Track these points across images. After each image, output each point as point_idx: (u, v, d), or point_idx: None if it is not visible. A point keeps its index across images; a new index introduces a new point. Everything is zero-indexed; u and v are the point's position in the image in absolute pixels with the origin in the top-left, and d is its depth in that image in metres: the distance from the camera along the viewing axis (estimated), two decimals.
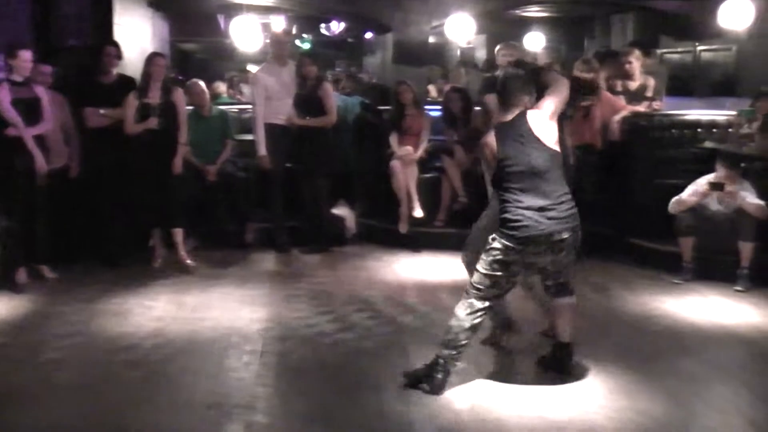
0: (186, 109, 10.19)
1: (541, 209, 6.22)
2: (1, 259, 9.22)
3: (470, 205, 11.05)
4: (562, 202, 6.36)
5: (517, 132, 6.26)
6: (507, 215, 6.23)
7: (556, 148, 6.32)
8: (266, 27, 17.26)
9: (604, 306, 8.72)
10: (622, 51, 11.69)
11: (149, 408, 6.04)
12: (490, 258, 6.27)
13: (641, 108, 11.04)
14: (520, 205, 6.21)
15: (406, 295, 8.98)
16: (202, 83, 11.28)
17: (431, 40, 19.40)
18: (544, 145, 6.24)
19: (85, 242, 10.27)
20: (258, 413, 5.95)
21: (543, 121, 6.29)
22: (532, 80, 6.54)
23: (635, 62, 11.14)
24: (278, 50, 11.13)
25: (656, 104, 11.27)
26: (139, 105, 9.71)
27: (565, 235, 6.38)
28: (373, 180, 12.00)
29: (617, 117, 10.58)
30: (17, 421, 5.86)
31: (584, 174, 10.21)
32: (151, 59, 9.93)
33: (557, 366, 6.70)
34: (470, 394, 6.21)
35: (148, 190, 9.85)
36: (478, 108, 11.09)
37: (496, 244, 6.22)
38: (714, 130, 11.12)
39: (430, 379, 6.24)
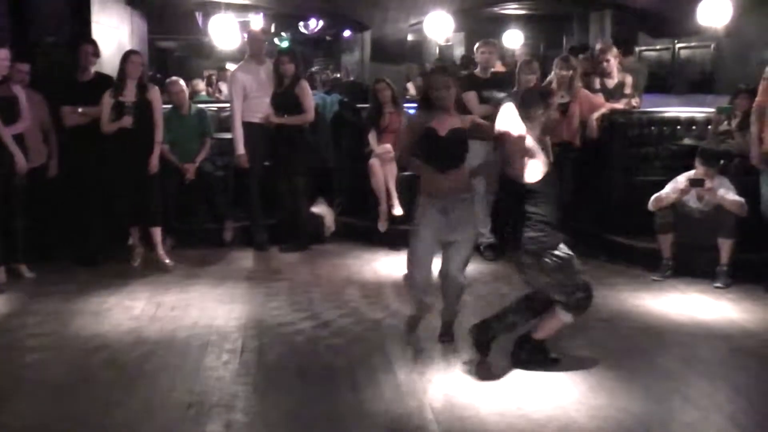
0: (163, 107, 10.16)
1: (557, 222, 6.68)
2: None
3: None
4: None
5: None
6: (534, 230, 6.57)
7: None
8: (244, 25, 17.21)
9: None
10: (599, 48, 11.68)
11: (128, 407, 6.02)
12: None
13: (619, 105, 11.06)
14: (544, 219, 6.59)
15: (385, 294, 8.97)
16: (182, 82, 11.23)
17: (409, 37, 19.36)
18: None
19: (63, 241, 10.25)
20: (237, 412, 5.93)
21: None
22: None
23: (612, 60, 11.16)
24: (256, 48, 11.11)
25: (634, 101, 11.30)
26: (114, 103, 9.66)
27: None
28: (351, 178, 11.99)
29: (595, 114, 10.60)
30: None
31: (563, 172, 10.25)
32: (127, 57, 9.88)
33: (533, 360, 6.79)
34: (449, 392, 6.20)
35: (125, 188, 9.82)
36: None
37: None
38: (693, 127, 11.17)
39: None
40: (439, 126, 6.98)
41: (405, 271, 7.45)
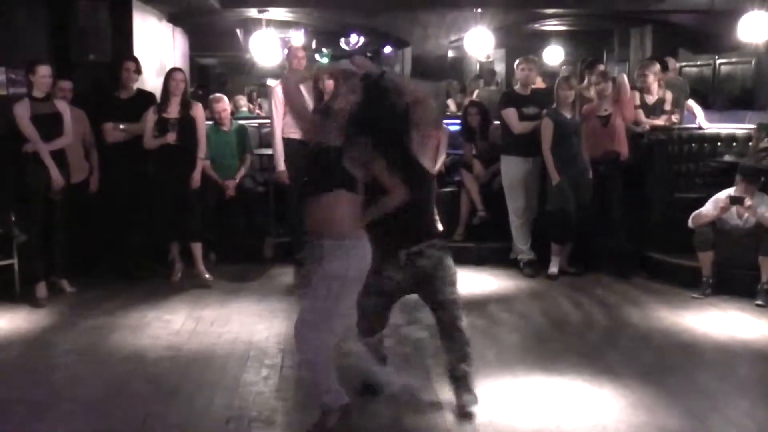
0: (205, 123, 10.21)
1: None
2: (20, 273, 9.29)
3: (489, 219, 11.07)
4: None
5: None
6: None
7: None
8: (285, 42, 17.29)
9: (623, 320, 8.68)
10: (640, 65, 11.67)
11: (166, 422, 6.05)
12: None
13: (660, 122, 11.03)
14: None
15: (424, 311, 8.95)
16: (225, 99, 11.31)
17: (450, 54, 19.43)
18: None
19: (104, 256, 10.33)
20: (277, 427, 5.96)
21: None
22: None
23: (651, 76, 11.11)
24: (296, 64, 11.14)
25: (675, 117, 11.25)
26: (157, 119, 9.74)
27: None
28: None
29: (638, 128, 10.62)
30: None
31: (607, 187, 10.24)
32: (170, 74, 9.96)
33: None
34: (488, 407, 6.19)
35: (166, 204, 9.88)
36: (496, 122, 11.12)
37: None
38: (733, 143, 11.12)
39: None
40: None
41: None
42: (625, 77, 11.08)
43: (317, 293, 5.58)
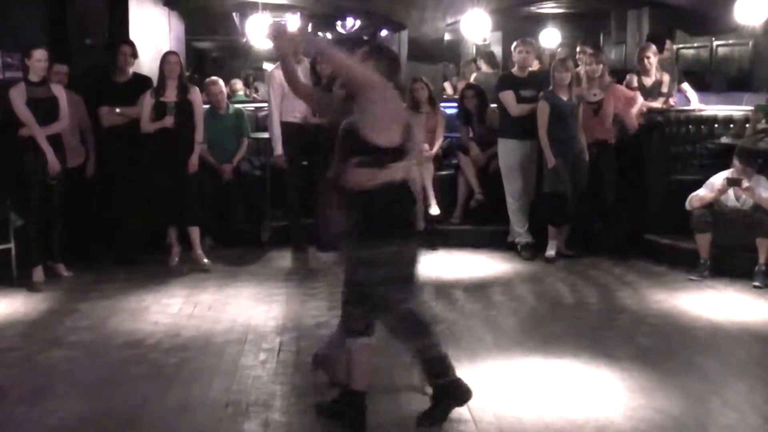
0: (203, 107, 10.19)
1: None
2: (17, 257, 9.28)
3: (486, 202, 11.07)
4: None
5: None
6: None
7: None
8: (281, 25, 17.25)
9: (621, 303, 8.70)
10: (640, 47, 11.64)
11: (165, 406, 6.06)
12: None
13: (657, 104, 11.02)
14: None
15: (423, 293, 8.96)
16: (221, 82, 11.30)
17: (446, 37, 19.34)
18: None
19: (101, 241, 10.32)
20: (275, 411, 5.96)
21: None
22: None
23: (653, 57, 11.09)
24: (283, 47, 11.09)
25: (672, 100, 11.24)
26: (155, 103, 9.72)
27: None
28: None
29: (633, 110, 10.56)
30: (32, 418, 5.89)
31: (600, 171, 10.23)
32: (165, 57, 9.94)
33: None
34: (487, 392, 6.19)
35: (164, 188, 9.87)
36: (493, 105, 11.11)
37: None
38: (730, 125, 11.09)
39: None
40: None
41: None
42: (635, 80, 11.09)
43: None
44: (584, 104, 10.28)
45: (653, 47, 11.28)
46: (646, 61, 11.07)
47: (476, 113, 11.41)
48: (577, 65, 11.19)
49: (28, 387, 6.46)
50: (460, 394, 5.78)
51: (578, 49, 11.91)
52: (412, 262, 5.86)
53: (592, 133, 10.27)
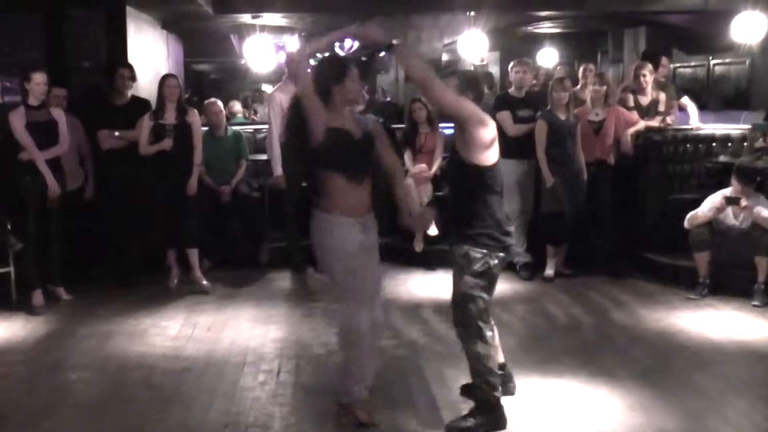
0: (201, 129, 10.21)
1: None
2: (16, 281, 9.29)
3: None
4: None
5: None
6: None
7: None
8: (279, 47, 17.30)
9: (619, 321, 8.70)
10: (635, 65, 11.68)
11: (165, 427, 6.08)
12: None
13: (654, 123, 11.03)
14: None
15: (421, 314, 8.97)
16: (219, 103, 11.31)
17: (444, 57, 19.41)
18: None
19: (100, 263, 10.32)
20: None
21: None
22: None
23: (649, 75, 11.12)
24: (293, 69, 11.10)
25: (669, 119, 11.26)
26: (153, 126, 9.74)
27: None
28: (387, 198, 11.98)
29: (631, 130, 10.58)
30: None
31: (598, 190, 10.25)
32: (163, 81, 9.95)
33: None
34: None
35: (162, 210, 9.88)
36: None
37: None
38: (728, 144, 11.12)
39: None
40: (349, 126, 6.01)
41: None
42: (630, 98, 11.12)
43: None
44: (586, 124, 10.30)
45: (649, 65, 11.31)
46: (642, 79, 11.09)
47: None
48: (576, 84, 11.23)
49: (28, 410, 6.46)
50: (496, 418, 5.89)
51: (582, 69, 11.93)
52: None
53: (593, 153, 10.28)
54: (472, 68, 16.43)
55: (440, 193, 11.30)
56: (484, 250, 5.89)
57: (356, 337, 5.88)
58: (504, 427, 5.90)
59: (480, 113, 5.87)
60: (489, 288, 6.00)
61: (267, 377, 7.04)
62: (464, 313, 6.01)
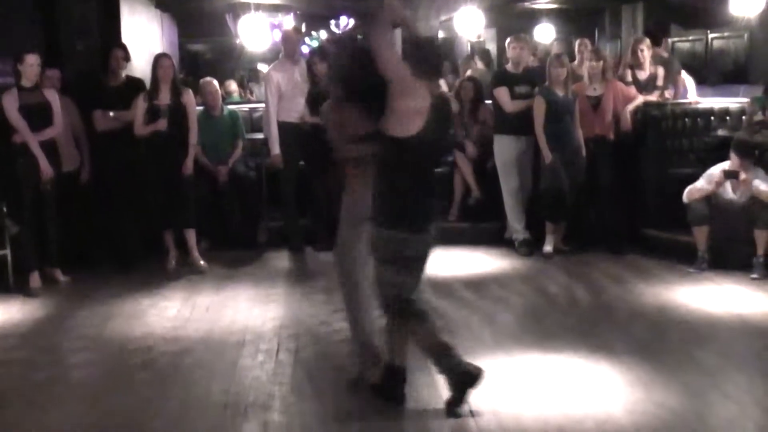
0: (196, 109, 10.17)
1: None
2: (13, 264, 9.26)
3: (483, 200, 11.05)
4: None
5: None
6: None
7: None
8: (274, 26, 17.22)
9: (619, 297, 8.68)
10: (633, 40, 11.65)
11: (165, 408, 6.06)
12: None
13: (653, 98, 11.00)
14: None
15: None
16: (215, 82, 11.26)
17: (440, 34, 19.32)
18: None
19: (97, 245, 10.29)
20: (274, 411, 5.95)
21: None
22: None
23: (647, 51, 11.09)
24: (290, 48, 11.07)
25: (667, 93, 11.23)
26: (148, 107, 9.69)
27: None
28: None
29: (630, 106, 10.54)
30: (33, 424, 5.88)
31: (598, 166, 10.22)
32: (157, 61, 9.90)
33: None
34: (486, 388, 6.17)
35: (159, 191, 9.84)
36: (488, 102, 11.09)
37: None
38: (727, 118, 11.10)
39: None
40: None
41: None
42: (629, 74, 11.10)
43: None
44: (584, 99, 10.28)
45: (647, 40, 11.29)
46: (639, 54, 11.07)
47: (470, 107, 11.38)
48: (573, 60, 11.19)
49: (28, 393, 6.45)
50: (470, 378, 5.88)
51: (577, 44, 11.90)
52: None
53: (592, 129, 10.26)
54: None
55: (438, 170, 11.30)
56: (395, 231, 5.72)
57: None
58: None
59: (408, 81, 5.64)
60: (405, 271, 5.84)
61: (266, 357, 7.03)
62: (380, 294, 5.97)
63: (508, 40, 10.94)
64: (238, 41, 17.75)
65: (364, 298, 6.27)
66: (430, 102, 5.69)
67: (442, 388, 6.14)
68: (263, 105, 11.05)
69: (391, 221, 5.71)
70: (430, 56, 5.95)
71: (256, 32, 15.05)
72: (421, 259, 5.91)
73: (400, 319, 5.93)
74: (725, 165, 9.37)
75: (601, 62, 10.38)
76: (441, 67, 6.18)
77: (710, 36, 17.16)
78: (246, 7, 15.37)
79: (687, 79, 11.87)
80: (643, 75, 11.09)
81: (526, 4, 19.60)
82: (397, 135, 5.62)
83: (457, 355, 5.92)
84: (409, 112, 5.60)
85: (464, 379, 5.88)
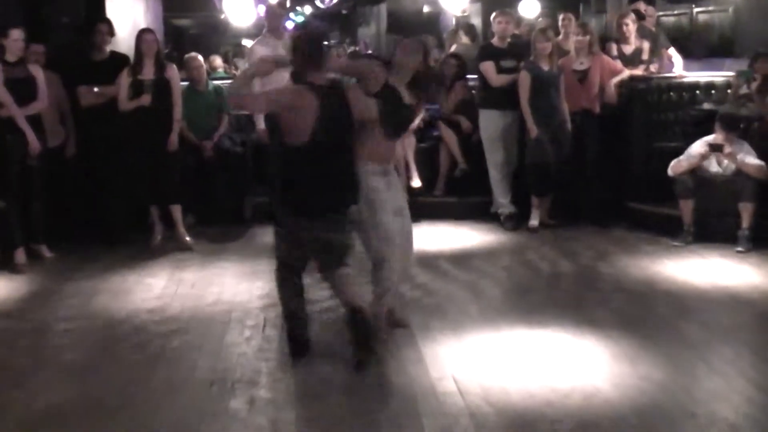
0: (181, 84, 10.13)
1: None
2: None
3: (470, 173, 11.05)
4: None
5: None
6: None
7: None
8: (259, 1, 17.16)
9: (605, 271, 8.70)
10: (618, 14, 11.65)
11: (152, 385, 6.05)
12: None
13: (638, 71, 11.00)
14: None
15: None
16: (200, 57, 11.23)
17: (425, 9, 19.34)
18: None
19: (83, 221, 10.25)
20: (261, 388, 5.95)
21: None
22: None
23: (632, 24, 11.09)
24: (274, 23, 11.03)
25: (653, 67, 11.23)
26: (132, 82, 9.65)
27: None
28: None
29: (615, 80, 10.53)
30: (18, 402, 5.85)
31: (584, 139, 10.23)
32: (140, 36, 9.85)
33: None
34: (473, 363, 6.20)
35: (144, 167, 9.80)
36: (474, 76, 11.08)
37: None
38: (712, 91, 11.10)
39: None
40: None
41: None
42: (614, 48, 11.09)
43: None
44: (570, 73, 10.28)
45: (631, 14, 11.30)
46: (624, 28, 11.08)
47: (451, 82, 11.38)
48: (557, 35, 11.19)
49: (13, 370, 6.43)
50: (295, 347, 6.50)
51: (561, 18, 11.89)
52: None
53: (578, 102, 10.27)
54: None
55: (424, 145, 11.32)
56: (279, 213, 6.45)
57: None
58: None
59: (286, 93, 6.36)
60: (291, 245, 6.45)
61: (253, 333, 7.03)
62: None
63: (493, 14, 10.93)
64: (223, 16, 17.74)
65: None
66: (317, 103, 6.07)
67: (429, 365, 6.18)
68: None
69: (292, 208, 6.30)
70: (310, 50, 6.35)
71: (240, 7, 15.04)
72: (308, 239, 6.32)
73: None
74: (710, 138, 9.38)
75: (588, 36, 10.39)
76: (321, 57, 6.35)
77: (695, 10, 17.14)
78: None
79: (675, 55, 11.88)
80: (628, 49, 11.09)
81: None
82: (292, 143, 6.13)
83: (297, 326, 6.56)
84: (296, 121, 6.11)
85: (291, 346, 6.50)
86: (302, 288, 6.64)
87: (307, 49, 6.28)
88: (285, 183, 6.31)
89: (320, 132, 6.04)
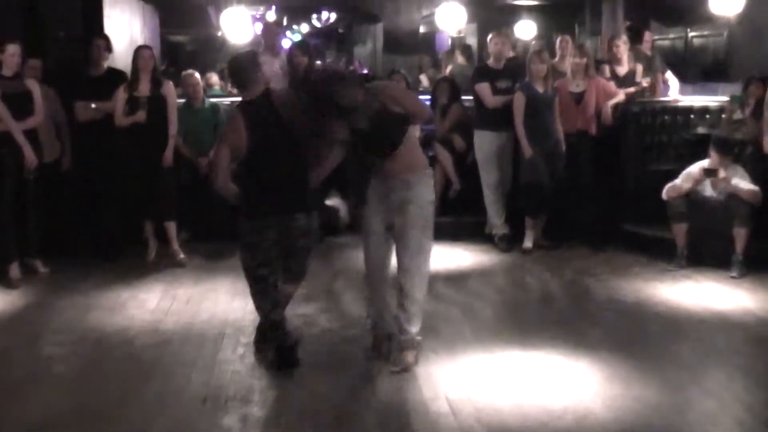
0: (177, 101, 10.15)
1: None
2: None
3: (464, 193, 11.06)
4: None
5: None
6: None
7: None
8: (256, 18, 17.22)
9: (598, 293, 8.71)
10: (610, 36, 11.73)
11: (143, 401, 6.05)
12: None
13: (632, 90, 11.03)
14: None
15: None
16: (197, 75, 11.24)
17: (421, 29, 19.36)
18: None
19: (77, 236, 10.25)
20: (253, 405, 5.95)
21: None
22: None
23: (623, 46, 11.17)
24: (270, 40, 11.08)
25: (645, 81, 11.28)
26: (128, 98, 9.67)
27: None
28: (366, 170, 11.94)
29: (611, 102, 10.57)
30: (11, 415, 5.86)
31: (579, 161, 10.26)
32: (138, 52, 9.90)
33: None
34: (465, 383, 6.21)
35: (139, 183, 9.82)
36: (469, 97, 11.10)
37: None
38: (706, 115, 11.13)
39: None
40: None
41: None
42: (607, 69, 11.14)
43: (424, 221, 6.99)
44: (566, 95, 10.31)
45: (623, 36, 11.42)
46: (615, 50, 11.17)
47: (442, 107, 11.41)
48: (553, 56, 11.24)
49: (7, 384, 6.43)
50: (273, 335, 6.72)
51: (558, 40, 11.94)
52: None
53: (573, 124, 10.30)
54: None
55: None
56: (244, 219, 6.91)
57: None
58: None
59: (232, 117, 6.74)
60: (246, 249, 6.89)
61: (246, 350, 7.02)
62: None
63: (489, 35, 10.97)
64: (219, 33, 17.75)
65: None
66: (244, 119, 6.50)
67: (423, 384, 6.18)
68: None
69: (245, 210, 6.84)
70: (231, 74, 7.10)
71: (237, 25, 15.03)
72: (263, 243, 6.70)
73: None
74: (705, 162, 9.41)
75: (585, 59, 10.43)
76: (250, 75, 6.62)
77: (690, 34, 17.22)
78: (228, 0, 15.36)
79: (671, 78, 11.94)
80: (621, 71, 11.16)
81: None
82: (241, 160, 6.67)
83: (282, 337, 6.67)
84: (237, 143, 6.55)
85: (279, 358, 6.59)
86: (279, 300, 6.83)
87: (229, 73, 7.11)
88: (241, 193, 6.83)
89: (254, 140, 6.46)
